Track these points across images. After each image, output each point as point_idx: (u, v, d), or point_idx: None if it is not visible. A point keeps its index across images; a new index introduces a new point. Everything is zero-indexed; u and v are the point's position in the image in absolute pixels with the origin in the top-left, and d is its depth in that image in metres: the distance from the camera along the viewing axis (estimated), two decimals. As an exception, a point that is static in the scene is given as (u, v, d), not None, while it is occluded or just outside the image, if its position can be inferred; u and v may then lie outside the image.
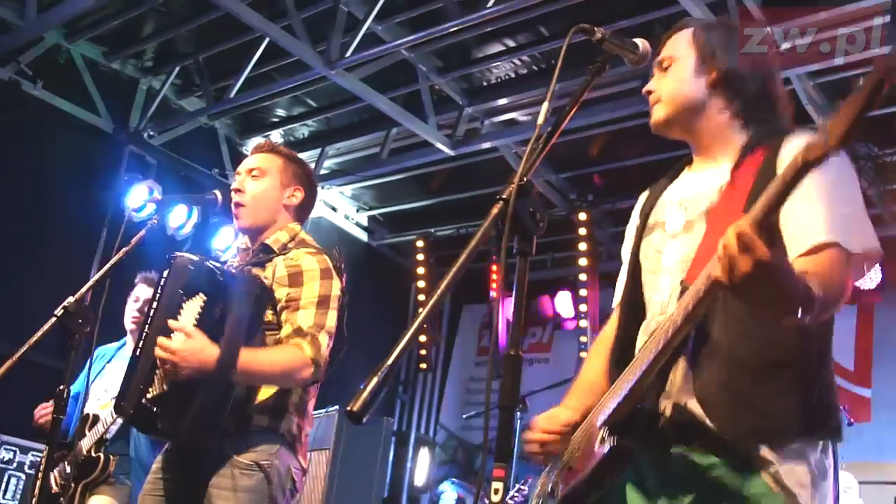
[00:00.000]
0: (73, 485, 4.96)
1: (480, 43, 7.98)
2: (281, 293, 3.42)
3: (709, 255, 1.97)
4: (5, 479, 6.75)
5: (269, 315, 3.42)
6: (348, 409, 1.66)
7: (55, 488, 5.00)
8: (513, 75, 8.30)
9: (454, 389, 11.54)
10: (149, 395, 3.22)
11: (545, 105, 2.19)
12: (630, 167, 9.05)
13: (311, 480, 6.31)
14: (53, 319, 3.15)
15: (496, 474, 1.83)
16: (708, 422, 2.12)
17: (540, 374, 9.35)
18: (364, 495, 6.46)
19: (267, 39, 7.74)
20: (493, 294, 10.48)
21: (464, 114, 8.61)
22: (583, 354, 9.46)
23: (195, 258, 3.38)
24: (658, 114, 2.50)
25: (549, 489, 2.30)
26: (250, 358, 3.25)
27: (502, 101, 8.55)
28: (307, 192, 3.77)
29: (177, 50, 8.75)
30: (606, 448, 2.14)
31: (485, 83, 8.53)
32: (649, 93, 2.54)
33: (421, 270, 10.81)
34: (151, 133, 9.13)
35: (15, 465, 6.82)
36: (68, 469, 5.02)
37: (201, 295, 3.27)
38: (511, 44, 7.92)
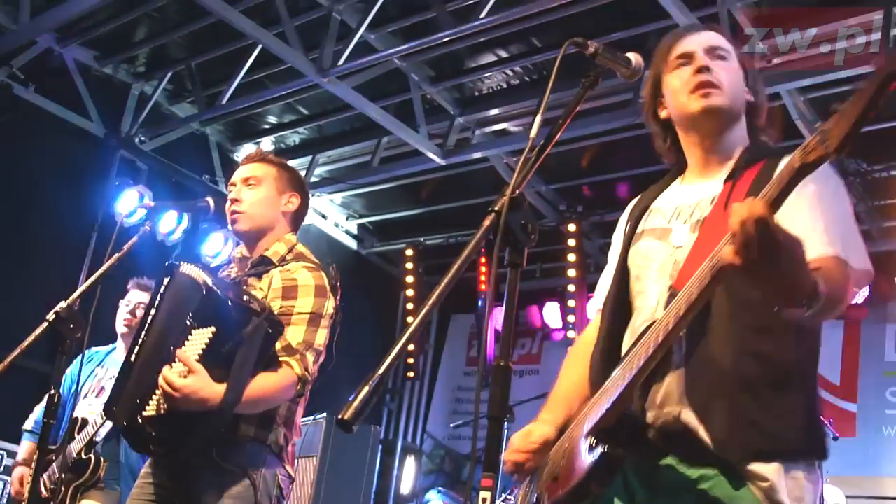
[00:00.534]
0: (63, 488, 4.96)
1: (473, 53, 8.02)
2: (275, 305, 3.41)
3: (698, 263, 1.98)
4: (-7, 484, 6.74)
5: None
6: (339, 417, 1.67)
7: (45, 492, 5.01)
8: (504, 86, 8.34)
9: (442, 399, 11.56)
10: (145, 414, 3.21)
11: (538, 118, 2.20)
12: (619, 179, 9.11)
13: (298, 487, 6.32)
14: (45, 324, 3.15)
15: (484, 484, 1.83)
16: (703, 434, 2.12)
17: (529, 385, 9.38)
18: (351, 501, 6.47)
19: (260, 46, 7.75)
20: (480, 304, 10.52)
21: (455, 123, 8.64)
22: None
23: (207, 280, 3.32)
24: (720, 98, 2.40)
25: (534, 500, 2.30)
26: (248, 391, 3.23)
27: (494, 112, 8.60)
28: (302, 199, 3.80)
29: (169, 55, 8.76)
30: (595, 456, 2.11)
31: (476, 93, 8.56)
32: (708, 69, 2.42)
33: (410, 279, 10.83)
34: (143, 138, 9.14)
35: (1, 468, 6.82)
36: (57, 472, 5.01)
37: (212, 328, 3.21)
38: (503, 54, 7.96)
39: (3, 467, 6.82)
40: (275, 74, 8.42)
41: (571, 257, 9.73)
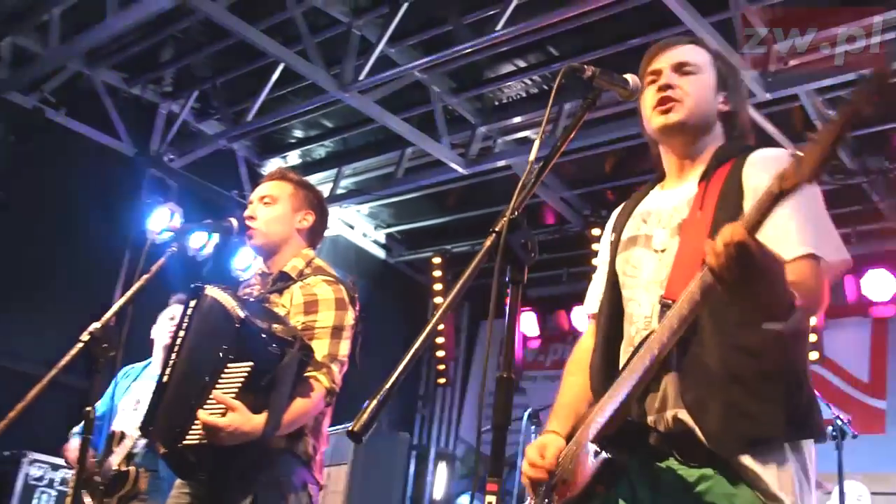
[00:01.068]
0: (104, 500, 5.10)
1: (492, 63, 8.11)
2: (297, 321, 3.54)
3: (685, 270, 2.10)
4: (36, 496, 6.87)
5: None
6: (349, 429, 1.80)
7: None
8: (524, 94, 8.42)
9: (473, 404, 11.64)
10: (185, 442, 3.30)
11: (536, 144, 2.32)
12: (642, 183, 9.14)
13: (330, 495, 6.44)
14: (80, 345, 3.27)
15: (489, 488, 1.95)
16: (698, 433, 2.22)
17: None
18: (383, 509, 6.59)
19: (282, 64, 7.90)
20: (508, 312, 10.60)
21: (477, 133, 8.72)
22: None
23: (239, 313, 3.35)
24: (679, 114, 2.53)
25: (545, 501, 2.40)
26: (286, 416, 3.33)
27: (515, 120, 8.66)
28: (318, 216, 3.91)
29: (195, 75, 8.92)
30: (600, 461, 2.22)
31: (497, 102, 8.64)
32: (670, 87, 2.56)
33: (438, 286, 10.93)
34: (171, 157, 9.32)
35: (46, 481, 6.94)
36: (101, 486, 5.15)
37: (249, 363, 3.28)
38: (521, 64, 8.03)
39: (47, 480, 6.97)
40: (298, 90, 8.56)
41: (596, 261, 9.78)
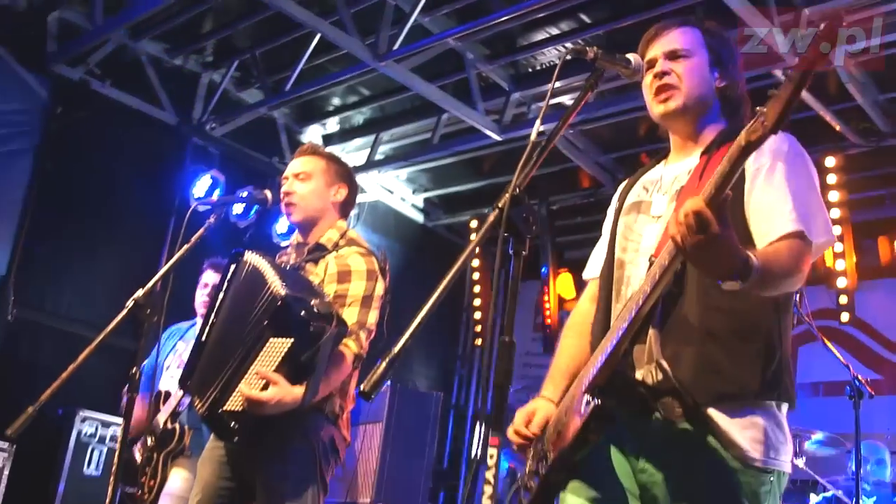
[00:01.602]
0: (154, 455, 5.36)
1: (525, 31, 8.18)
2: (330, 289, 3.75)
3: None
4: (89, 452, 7.14)
5: None
6: (360, 389, 2.00)
7: (139, 459, 5.41)
8: (557, 61, 8.48)
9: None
10: (226, 409, 3.49)
11: (538, 122, 2.49)
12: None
13: (366, 451, 6.69)
14: (125, 311, 3.50)
15: (491, 442, 2.15)
16: (678, 384, 2.39)
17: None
18: (416, 464, 6.79)
19: (319, 34, 8.05)
20: (544, 272, 10.77)
21: (511, 99, 8.82)
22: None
23: (280, 290, 3.48)
24: (677, 101, 2.67)
25: (542, 453, 2.56)
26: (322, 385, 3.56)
27: (548, 86, 8.71)
28: (350, 188, 4.12)
29: (235, 45, 9.09)
30: (589, 409, 2.37)
31: (530, 69, 8.73)
32: (665, 74, 2.68)
33: (475, 250, 11.07)
34: (213, 125, 9.50)
35: (97, 438, 7.19)
36: (149, 441, 5.41)
37: (290, 340, 3.45)
38: (555, 32, 8.10)
39: (98, 437, 7.23)
40: (336, 59, 8.72)
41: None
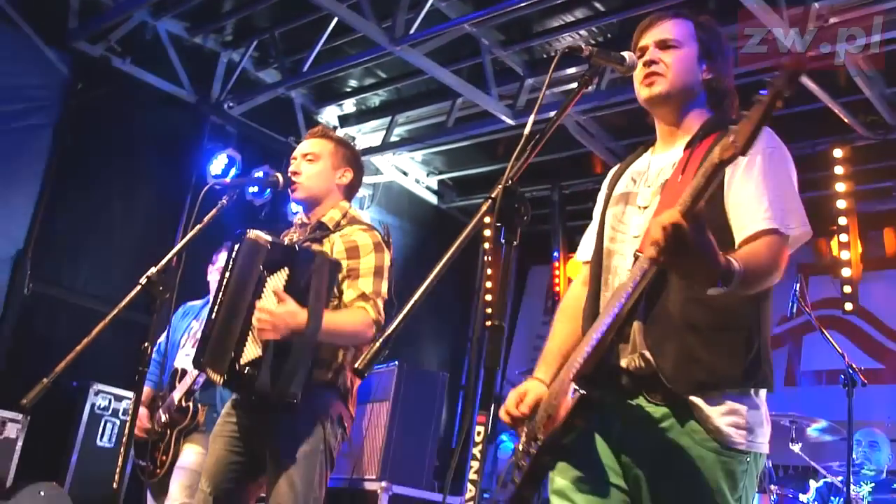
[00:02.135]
0: (168, 431, 5.49)
1: (541, 17, 8.24)
2: (342, 266, 3.91)
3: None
4: (102, 425, 7.27)
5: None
6: (355, 366, 2.12)
7: (154, 434, 5.53)
8: (577, 45, 8.51)
9: (521, 347, 11.94)
10: (242, 361, 3.66)
11: (532, 116, 2.59)
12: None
13: (372, 429, 6.81)
14: (139, 287, 3.62)
15: (479, 420, 2.27)
16: (660, 374, 2.50)
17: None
18: (422, 442, 6.91)
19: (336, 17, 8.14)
20: (555, 256, 10.86)
21: (525, 85, 8.89)
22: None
23: (269, 238, 3.83)
24: (661, 87, 2.77)
25: (533, 434, 2.66)
26: (330, 320, 3.73)
27: (563, 72, 8.77)
28: (355, 172, 4.25)
29: (254, 25, 9.18)
30: (575, 398, 2.48)
31: (545, 55, 8.77)
32: (653, 62, 2.79)
33: (488, 232, 11.17)
34: (231, 104, 9.59)
35: (110, 411, 7.31)
36: (164, 417, 5.52)
37: (286, 269, 3.72)
38: (570, 19, 8.16)
39: (111, 410, 7.37)
40: (353, 41, 8.80)
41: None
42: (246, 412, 3.93)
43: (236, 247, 4.00)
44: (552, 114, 2.69)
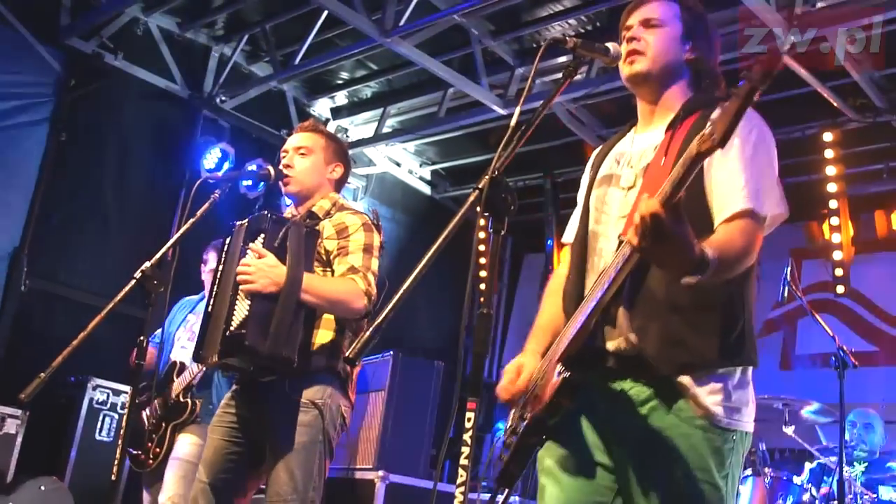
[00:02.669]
0: (163, 424, 5.54)
1: (531, 6, 8.27)
2: (332, 245, 4.00)
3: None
4: (100, 419, 7.30)
5: (318, 270, 3.96)
6: (346, 355, 2.17)
7: (147, 426, 5.59)
8: (561, 37, 8.53)
9: (516, 335, 11.98)
10: (233, 326, 3.75)
11: (518, 108, 2.64)
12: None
13: (368, 418, 6.85)
14: (133, 281, 3.66)
15: (469, 406, 2.32)
16: (645, 356, 2.54)
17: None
18: (417, 432, 6.96)
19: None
20: (549, 244, 10.89)
21: (515, 74, 8.91)
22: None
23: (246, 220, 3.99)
24: (642, 64, 2.78)
25: (520, 416, 2.71)
26: (314, 280, 3.84)
27: (553, 61, 8.81)
28: (345, 167, 4.34)
29: (245, 19, 9.22)
30: (560, 379, 2.53)
31: (535, 45, 8.78)
32: (635, 39, 2.80)
33: (481, 222, 11.15)
34: (224, 98, 9.62)
35: (108, 405, 7.34)
36: (159, 410, 5.58)
37: (261, 234, 3.87)
38: (559, 7, 8.19)
39: (109, 404, 7.40)
40: (344, 34, 8.84)
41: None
42: (245, 404, 3.98)
43: (227, 240, 4.06)
44: (518, 110, 2.71)
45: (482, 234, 11.08)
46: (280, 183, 4.19)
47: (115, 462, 3.67)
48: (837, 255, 8.83)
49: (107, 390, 7.37)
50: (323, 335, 3.91)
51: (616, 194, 2.78)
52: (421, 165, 11.65)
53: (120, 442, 3.66)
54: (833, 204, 8.74)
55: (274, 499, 3.75)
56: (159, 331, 5.49)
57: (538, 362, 2.77)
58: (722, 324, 2.57)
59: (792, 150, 8.46)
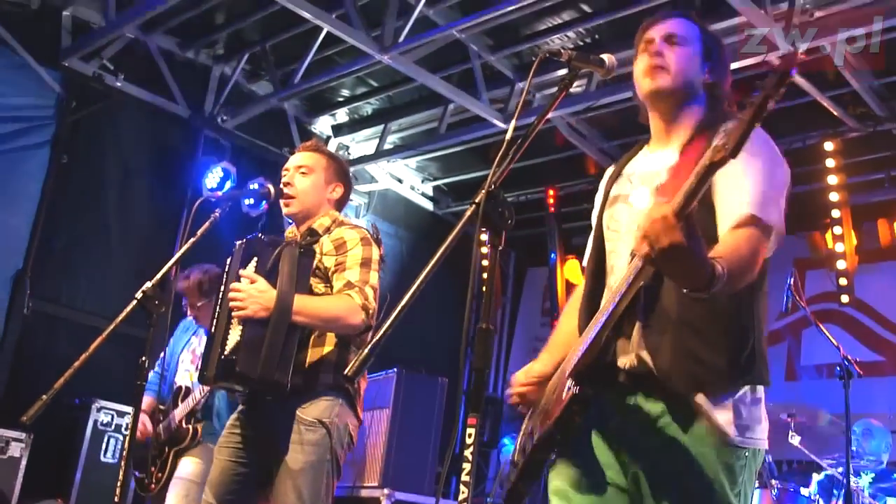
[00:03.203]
0: (166, 449, 5.53)
1: (529, 21, 8.28)
2: (330, 262, 3.98)
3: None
4: (105, 441, 7.33)
5: (319, 287, 3.96)
6: (344, 373, 2.16)
7: (151, 450, 5.57)
8: (556, 49, 8.52)
9: (520, 349, 11.98)
10: (227, 351, 3.76)
11: (513, 122, 2.63)
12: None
13: (372, 435, 6.85)
14: (134, 302, 3.66)
15: (470, 422, 2.30)
16: (658, 373, 2.52)
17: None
18: (422, 449, 6.95)
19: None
20: (552, 258, 10.87)
21: (515, 89, 8.91)
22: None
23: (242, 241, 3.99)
24: (665, 80, 2.74)
25: (530, 430, 2.71)
26: (306, 300, 3.83)
27: (552, 75, 8.80)
28: (346, 188, 4.32)
29: (245, 38, 9.25)
30: (569, 394, 2.52)
31: (534, 58, 8.77)
32: (659, 54, 2.77)
33: (483, 237, 11.18)
34: (225, 117, 9.65)
35: (113, 427, 7.37)
36: (163, 435, 5.56)
37: (255, 258, 3.88)
38: (557, 21, 8.20)
39: (114, 426, 7.43)
40: (343, 51, 8.85)
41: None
42: (250, 424, 3.97)
43: (228, 260, 4.06)
44: (513, 125, 2.70)
45: (483, 250, 11.16)
46: (280, 203, 4.18)
47: (119, 484, 3.67)
48: (841, 265, 8.81)
49: (111, 412, 7.38)
50: (328, 352, 3.89)
51: (628, 213, 2.78)
52: (423, 181, 11.67)
53: (123, 464, 3.66)
54: (835, 213, 8.72)
55: (282, 518, 3.74)
56: (162, 354, 5.48)
57: (547, 369, 2.78)
58: (735, 340, 2.55)
59: (793, 159, 8.26)
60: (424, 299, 2.35)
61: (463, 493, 2.27)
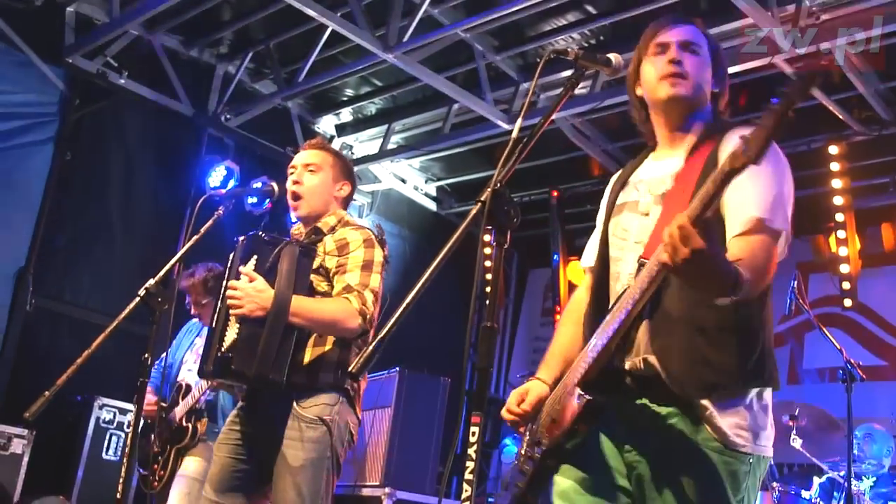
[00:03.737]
0: (168, 447, 5.55)
1: (533, 22, 8.28)
2: (331, 262, 3.96)
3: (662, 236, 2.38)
4: (107, 438, 7.33)
5: (322, 285, 3.95)
6: (349, 370, 2.15)
7: (155, 448, 5.59)
8: (563, 48, 8.53)
9: (522, 349, 11.98)
10: (223, 348, 3.77)
11: (519, 120, 2.63)
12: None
13: (374, 434, 6.84)
14: (137, 299, 3.67)
15: (473, 420, 2.29)
16: (663, 375, 2.51)
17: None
18: (424, 448, 6.94)
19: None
20: (555, 259, 10.86)
21: (520, 89, 8.92)
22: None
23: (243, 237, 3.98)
24: (685, 88, 2.73)
25: (536, 439, 2.70)
26: (303, 301, 3.81)
27: (557, 76, 8.76)
28: (352, 186, 4.31)
29: (250, 37, 9.24)
30: (581, 403, 2.53)
31: (538, 59, 8.77)
32: (679, 62, 2.75)
33: (487, 237, 11.17)
34: (228, 116, 9.65)
35: (115, 424, 7.37)
36: (164, 433, 5.59)
37: (254, 256, 3.86)
38: (562, 22, 8.19)
39: (116, 423, 7.42)
40: (348, 50, 8.83)
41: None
42: (251, 422, 3.96)
43: (231, 255, 4.05)
44: (519, 124, 2.70)
45: (487, 250, 11.15)
46: (289, 205, 4.17)
47: (121, 481, 3.67)
48: (845, 269, 8.79)
49: (113, 409, 7.39)
50: (328, 351, 3.88)
51: (635, 220, 2.77)
52: (426, 181, 11.66)
53: (125, 461, 3.66)
54: (839, 217, 8.70)
55: (282, 516, 3.73)
56: (164, 355, 5.48)
57: (545, 390, 2.77)
58: (744, 344, 2.55)
59: (797, 163, 8.29)
60: (427, 299, 2.34)
61: (466, 491, 2.26)
